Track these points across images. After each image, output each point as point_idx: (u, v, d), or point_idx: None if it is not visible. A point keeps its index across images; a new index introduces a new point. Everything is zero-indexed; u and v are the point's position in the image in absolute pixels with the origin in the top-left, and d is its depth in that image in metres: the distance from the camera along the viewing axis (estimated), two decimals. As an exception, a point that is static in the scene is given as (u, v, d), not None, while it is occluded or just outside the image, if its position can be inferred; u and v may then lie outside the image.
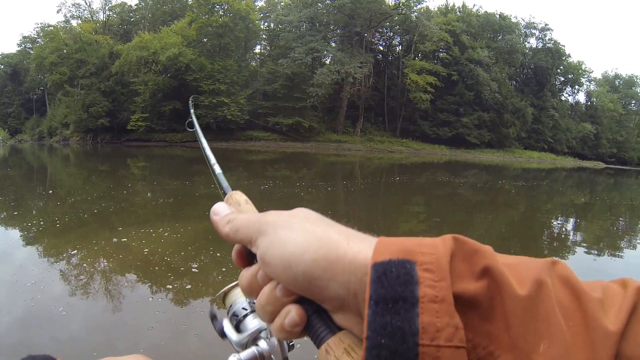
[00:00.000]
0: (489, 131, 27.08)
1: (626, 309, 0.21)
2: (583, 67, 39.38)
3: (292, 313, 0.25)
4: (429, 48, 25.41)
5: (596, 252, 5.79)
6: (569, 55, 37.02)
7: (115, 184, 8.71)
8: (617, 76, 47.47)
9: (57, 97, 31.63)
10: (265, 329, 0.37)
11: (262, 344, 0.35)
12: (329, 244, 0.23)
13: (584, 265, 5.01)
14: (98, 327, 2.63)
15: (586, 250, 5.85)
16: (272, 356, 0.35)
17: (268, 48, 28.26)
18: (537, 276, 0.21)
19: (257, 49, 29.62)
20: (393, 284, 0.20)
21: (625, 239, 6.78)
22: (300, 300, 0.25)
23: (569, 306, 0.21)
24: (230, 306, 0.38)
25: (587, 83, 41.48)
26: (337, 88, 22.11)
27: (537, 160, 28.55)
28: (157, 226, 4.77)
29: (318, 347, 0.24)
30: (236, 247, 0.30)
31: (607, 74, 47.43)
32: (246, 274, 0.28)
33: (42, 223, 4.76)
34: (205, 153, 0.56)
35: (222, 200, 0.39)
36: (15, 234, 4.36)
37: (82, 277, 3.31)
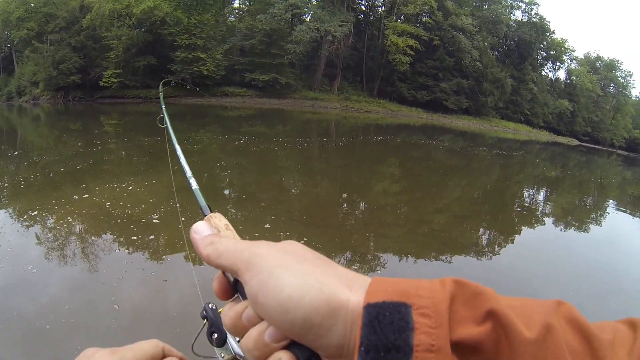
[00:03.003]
0: (467, 98, 27.30)
1: (638, 353, 0.20)
2: (566, 45, 39.73)
3: None
4: (412, 11, 25.04)
5: (563, 226, 6.06)
6: (553, 32, 37.19)
7: (86, 143, 8.53)
8: (598, 58, 48.02)
9: (25, 54, 29.86)
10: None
11: None
12: (330, 288, 0.21)
13: (550, 236, 5.28)
14: (69, 279, 2.65)
15: (554, 222, 6.11)
16: None
17: (247, 3, 27.26)
18: (546, 319, 0.20)
19: (236, 4, 28.53)
20: (385, 330, 0.19)
21: (592, 216, 7.09)
22: (291, 345, 0.23)
23: (579, 350, 0.20)
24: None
25: (569, 61, 41.89)
26: (316, 46, 21.74)
27: (513, 131, 29.19)
28: (122, 181, 4.74)
29: None
30: (218, 276, 0.28)
31: (589, 55, 47.91)
32: (230, 312, 0.25)
33: (5, 185, 4.61)
34: (180, 163, 0.51)
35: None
36: (-25, 197, 4.20)
37: (46, 234, 3.30)
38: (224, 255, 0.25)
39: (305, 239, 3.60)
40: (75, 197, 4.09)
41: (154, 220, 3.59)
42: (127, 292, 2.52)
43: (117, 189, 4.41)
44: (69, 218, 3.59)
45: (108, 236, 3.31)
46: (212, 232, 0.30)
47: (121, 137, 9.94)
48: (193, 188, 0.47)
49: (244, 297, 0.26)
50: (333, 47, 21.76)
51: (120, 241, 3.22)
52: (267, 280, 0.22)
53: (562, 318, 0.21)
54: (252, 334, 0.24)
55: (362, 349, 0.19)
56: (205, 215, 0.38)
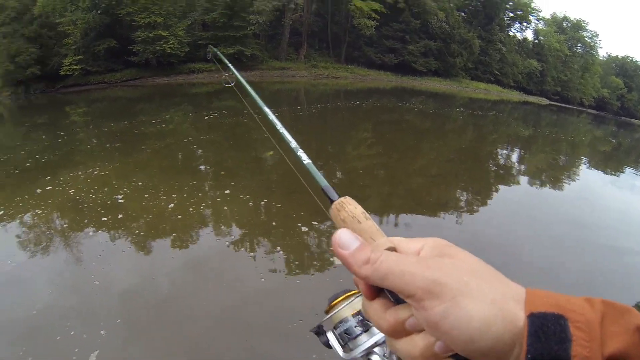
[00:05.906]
0: (436, 60, 27.57)
1: None
2: (532, 5, 40.25)
3: None
4: (375, -25, 24.81)
5: (539, 183, 6.30)
6: (518, -8, 37.47)
7: (51, 135, 8.24)
8: (565, 18, 48.86)
9: (-22, 51, 28.36)
10: (380, 345, 0.35)
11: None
12: (511, 315, 0.22)
13: (527, 193, 5.50)
14: (48, 267, 2.71)
15: (529, 180, 6.33)
16: None
17: (205, -24, 26.39)
18: None
19: (193, -22, 27.54)
20: (549, 340, 0.20)
21: (565, 174, 7.35)
22: (455, 356, 0.24)
23: None
24: (340, 322, 0.36)
25: (536, 21, 42.60)
26: (279, 15, 21.44)
27: (484, 92, 29.78)
28: (87, 167, 4.79)
29: None
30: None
31: (556, 15, 48.70)
32: (390, 316, 0.26)
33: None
34: (281, 132, 0.41)
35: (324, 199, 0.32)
36: None
37: (21, 229, 3.34)
38: (389, 278, 0.24)
39: (280, 205, 3.71)
40: (39, 190, 4.12)
41: (119, 201, 3.78)
42: (111, 269, 2.65)
43: (82, 176, 4.50)
44: (37, 210, 3.64)
45: (79, 221, 3.37)
46: (360, 242, 0.26)
47: (90, 124, 9.75)
48: (305, 162, 0.37)
49: (394, 300, 0.26)
50: (296, 15, 21.50)
51: (92, 224, 3.29)
52: (453, 311, 0.22)
53: None
54: (419, 342, 0.24)
55: (529, 356, 0.20)
56: (333, 201, 0.32)
